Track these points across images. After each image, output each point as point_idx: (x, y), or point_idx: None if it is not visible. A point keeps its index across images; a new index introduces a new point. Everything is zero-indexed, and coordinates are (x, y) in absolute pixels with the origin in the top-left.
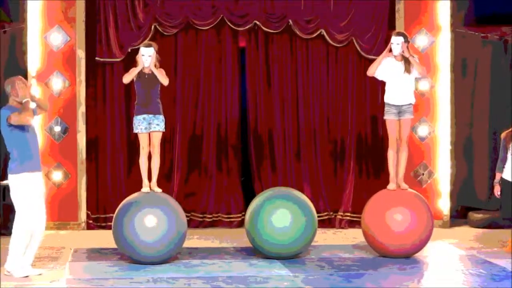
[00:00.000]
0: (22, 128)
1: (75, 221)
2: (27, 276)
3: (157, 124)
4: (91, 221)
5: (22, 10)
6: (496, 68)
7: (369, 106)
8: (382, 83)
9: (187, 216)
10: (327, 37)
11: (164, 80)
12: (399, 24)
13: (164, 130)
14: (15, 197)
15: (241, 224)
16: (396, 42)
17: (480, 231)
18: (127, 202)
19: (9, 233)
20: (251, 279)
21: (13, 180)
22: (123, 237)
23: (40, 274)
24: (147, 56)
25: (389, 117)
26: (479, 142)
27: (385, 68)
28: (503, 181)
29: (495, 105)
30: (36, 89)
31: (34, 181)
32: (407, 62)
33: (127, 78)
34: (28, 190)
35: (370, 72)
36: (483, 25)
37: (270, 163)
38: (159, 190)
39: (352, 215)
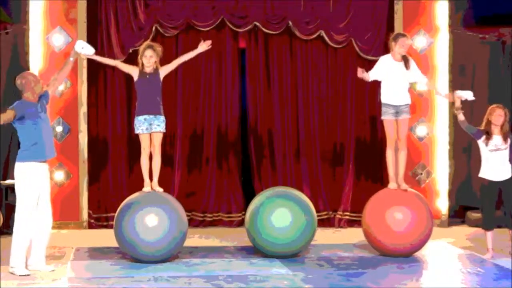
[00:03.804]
0: (34, 119)
1: (76, 221)
2: (28, 275)
3: (158, 125)
4: (92, 220)
5: (24, 11)
6: (494, 69)
7: (368, 105)
8: (378, 83)
9: (187, 216)
10: (326, 38)
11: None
12: (398, 25)
13: (164, 131)
14: (18, 186)
15: (241, 223)
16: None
17: (478, 230)
18: (128, 201)
19: (11, 232)
20: (251, 277)
21: (18, 168)
22: (124, 236)
23: (53, 271)
24: (80, 49)
25: (387, 117)
26: (477, 142)
27: (384, 69)
28: (482, 186)
29: None
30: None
31: (40, 172)
32: (406, 61)
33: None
34: (32, 179)
35: (369, 80)
36: (481, 26)
37: (270, 163)
38: (161, 189)
39: (351, 214)
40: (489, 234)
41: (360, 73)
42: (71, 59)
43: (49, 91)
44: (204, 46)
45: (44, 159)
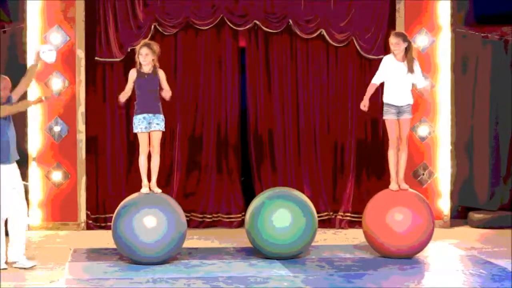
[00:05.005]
0: None
1: (74, 221)
2: (5, 268)
3: (157, 124)
4: (90, 221)
5: (21, 10)
6: (496, 68)
7: (369, 105)
8: (382, 83)
9: (187, 216)
10: (327, 37)
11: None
12: (399, 24)
13: (163, 130)
14: None
15: (241, 224)
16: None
17: (481, 231)
18: (126, 202)
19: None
20: (251, 279)
21: None
22: (122, 237)
23: (34, 266)
24: (47, 51)
25: (389, 117)
26: (480, 142)
27: (386, 69)
28: None
29: (496, 105)
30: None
31: (7, 174)
32: (410, 62)
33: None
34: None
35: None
36: (483, 25)
37: (270, 163)
38: (159, 190)
39: (352, 215)
40: None
41: (363, 107)
42: (34, 63)
43: (13, 95)
44: None
45: (9, 162)
